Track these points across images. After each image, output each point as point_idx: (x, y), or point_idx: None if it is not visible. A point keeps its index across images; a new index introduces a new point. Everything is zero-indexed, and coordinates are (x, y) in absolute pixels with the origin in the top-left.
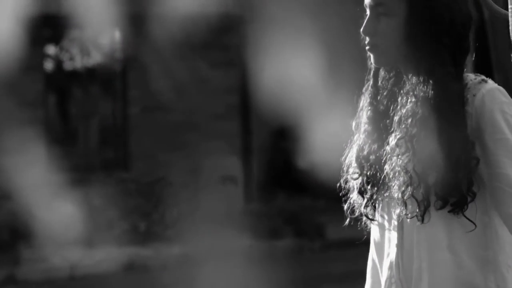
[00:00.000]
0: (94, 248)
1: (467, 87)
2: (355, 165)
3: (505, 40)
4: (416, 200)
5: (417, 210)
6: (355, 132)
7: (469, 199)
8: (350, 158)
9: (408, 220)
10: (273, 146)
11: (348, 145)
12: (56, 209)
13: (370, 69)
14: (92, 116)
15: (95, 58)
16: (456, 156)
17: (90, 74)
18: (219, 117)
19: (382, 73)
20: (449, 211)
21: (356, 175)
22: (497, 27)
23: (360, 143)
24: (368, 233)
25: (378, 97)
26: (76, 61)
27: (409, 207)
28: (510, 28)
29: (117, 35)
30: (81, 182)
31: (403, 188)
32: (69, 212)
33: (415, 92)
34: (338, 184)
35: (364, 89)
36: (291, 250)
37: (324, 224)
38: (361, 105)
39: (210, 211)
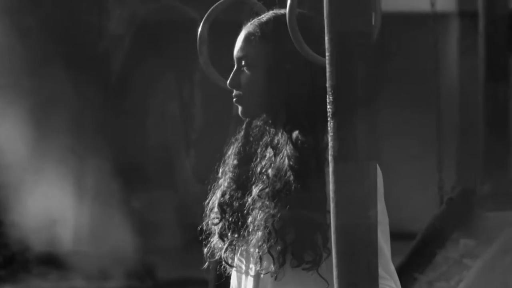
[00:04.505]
0: None
1: None
2: (217, 210)
3: None
4: (272, 256)
5: (272, 267)
6: (220, 177)
7: (324, 256)
8: (213, 202)
9: (262, 275)
10: None
11: (211, 189)
12: None
13: (243, 120)
14: None
15: None
16: (313, 214)
17: None
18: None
19: (255, 123)
20: (303, 269)
21: (217, 220)
22: None
23: (224, 188)
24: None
25: (247, 147)
26: None
27: (264, 262)
28: (327, 74)
29: None
30: None
31: (260, 243)
32: None
33: (273, 144)
34: (199, 227)
35: (234, 138)
36: None
37: (155, 264)
38: (229, 152)
39: (41, 251)
